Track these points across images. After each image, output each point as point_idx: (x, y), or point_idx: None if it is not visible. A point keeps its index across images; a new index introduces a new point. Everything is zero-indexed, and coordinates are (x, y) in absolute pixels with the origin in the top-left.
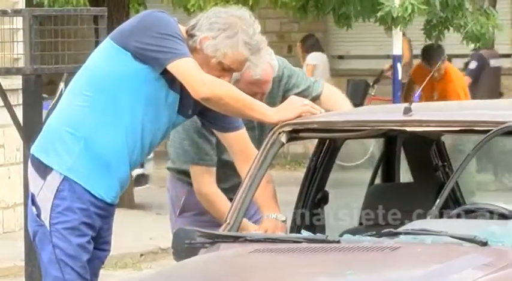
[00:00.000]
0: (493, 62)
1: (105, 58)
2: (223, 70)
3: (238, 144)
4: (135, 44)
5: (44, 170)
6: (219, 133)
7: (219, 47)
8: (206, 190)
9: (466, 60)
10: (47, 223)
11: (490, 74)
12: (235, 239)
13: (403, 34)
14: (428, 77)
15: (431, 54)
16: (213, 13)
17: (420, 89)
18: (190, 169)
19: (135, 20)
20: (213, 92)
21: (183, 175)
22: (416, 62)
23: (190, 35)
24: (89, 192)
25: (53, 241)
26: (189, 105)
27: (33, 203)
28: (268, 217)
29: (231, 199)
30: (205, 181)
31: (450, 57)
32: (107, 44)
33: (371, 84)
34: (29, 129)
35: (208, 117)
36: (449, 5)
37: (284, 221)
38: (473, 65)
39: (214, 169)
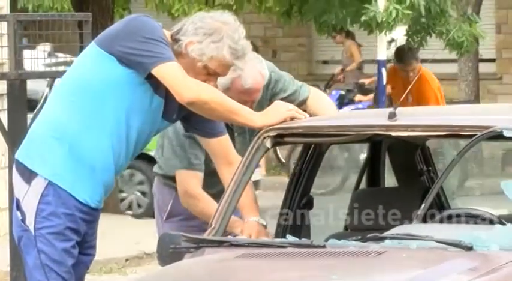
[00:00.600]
0: None
1: (90, 63)
2: (209, 74)
3: (221, 149)
4: (120, 49)
5: (28, 175)
6: (202, 138)
7: (205, 51)
8: (193, 191)
9: (448, 65)
10: (31, 228)
11: None
12: (220, 243)
13: (353, 38)
14: (424, 76)
15: (404, 55)
16: (198, 18)
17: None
18: (177, 173)
19: (120, 24)
20: (198, 96)
21: (170, 181)
22: (390, 65)
23: (175, 40)
24: (74, 197)
25: (38, 246)
26: (173, 110)
27: (18, 208)
28: (250, 220)
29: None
30: (193, 183)
31: (433, 62)
32: (92, 48)
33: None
34: (14, 134)
35: (192, 123)
36: (432, 11)
37: (265, 226)
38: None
39: (202, 175)
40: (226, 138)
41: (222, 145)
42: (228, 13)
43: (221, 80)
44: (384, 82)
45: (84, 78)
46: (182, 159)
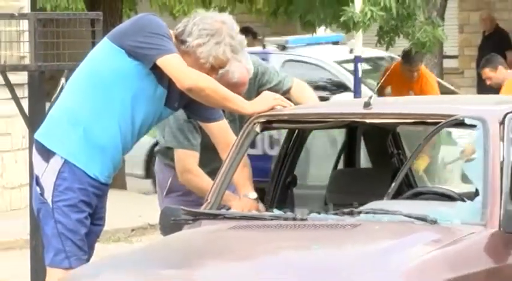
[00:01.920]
0: None
1: (102, 56)
2: (212, 69)
3: (220, 132)
4: (129, 43)
5: (47, 154)
6: (202, 123)
7: (211, 52)
8: (190, 167)
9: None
10: (49, 201)
11: None
12: (215, 216)
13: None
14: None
15: (413, 57)
16: (200, 19)
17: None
18: (175, 152)
19: (130, 21)
20: (196, 84)
21: (170, 161)
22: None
23: (181, 41)
24: (87, 174)
25: (55, 217)
26: (175, 98)
27: (37, 183)
28: (245, 196)
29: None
30: (190, 160)
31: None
32: (105, 43)
33: None
34: (34, 119)
35: (192, 110)
36: (400, 14)
37: (256, 199)
38: None
39: (198, 154)
40: (224, 122)
41: (221, 129)
42: (224, 13)
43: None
44: (360, 75)
45: (95, 69)
46: (180, 140)
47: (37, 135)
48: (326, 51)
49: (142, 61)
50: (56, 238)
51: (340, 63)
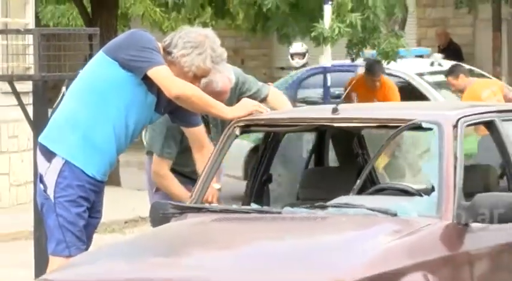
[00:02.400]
0: None
1: (99, 67)
2: (195, 78)
3: (197, 136)
4: (123, 56)
5: (49, 155)
6: (184, 128)
7: (193, 62)
8: (163, 172)
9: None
10: (51, 197)
11: None
12: (199, 210)
13: None
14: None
15: (375, 68)
16: (185, 33)
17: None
18: (154, 157)
19: (123, 36)
20: (183, 92)
21: None
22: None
23: (168, 52)
24: (85, 173)
25: (57, 211)
26: (163, 105)
27: (41, 181)
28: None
29: (193, 179)
30: (164, 167)
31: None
32: (100, 56)
33: None
34: (38, 123)
35: (177, 115)
36: (367, 28)
37: (219, 189)
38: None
39: (170, 161)
40: (201, 128)
41: (198, 133)
42: (207, 28)
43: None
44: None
45: (92, 79)
46: (159, 148)
47: (40, 139)
48: (409, 64)
49: (134, 72)
50: (57, 229)
51: (420, 75)
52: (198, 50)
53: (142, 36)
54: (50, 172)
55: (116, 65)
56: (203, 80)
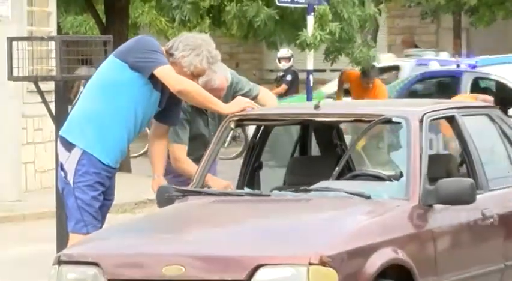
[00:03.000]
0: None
1: (110, 69)
2: (193, 76)
3: (164, 134)
4: (132, 59)
5: (69, 146)
6: (157, 122)
7: (192, 62)
8: (180, 156)
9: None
10: (71, 182)
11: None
12: (199, 193)
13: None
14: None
15: (370, 73)
16: (185, 38)
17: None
18: (170, 146)
19: (132, 42)
20: (185, 88)
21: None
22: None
23: (170, 54)
24: (101, 161)
25: (75, 194)
26: (164, 100)
27: (62, 168)
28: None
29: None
30: (180, 152)
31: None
32: (111, 59)
33: None
34: (59, 118)
35: (165, 112)
36: (343, 38)
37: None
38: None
39: (186, 146)
40: (170, 129)
41: (166, 132)
42: (207, 36)
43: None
44: (311, 84)
45: (104, 80)
46: (174, 137)
47: (61, 132)
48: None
49: (142, 72)
50: (76, 210)
51: None
52: (195, 52)
53: (148, 41)
54: (70, 160)
55: (126, 67)
56: (203, 78)
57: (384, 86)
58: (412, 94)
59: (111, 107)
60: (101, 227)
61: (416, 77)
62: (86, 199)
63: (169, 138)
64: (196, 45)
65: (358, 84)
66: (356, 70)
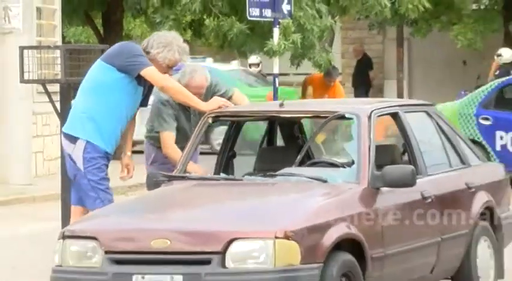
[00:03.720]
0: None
1: (99, 72)
2: (168, 68)
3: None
4: (119, 62)
5: (73, 139)
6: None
7: (166, 56)
8: (169, 144)
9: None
10: (82, 168)
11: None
12: (182, 178)
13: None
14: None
15: (332, 73)
16: (157, 37)
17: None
18: (161, 134)
19: (116, 47)
20: (166, 84)
21: (153, 141)
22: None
23: (147, 52)
24: (101, 148)
25: (88, 177)
26: (145, 92)
27: (70, 159)
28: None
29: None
30: (169, 140)
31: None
32: (99, 63)
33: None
34: (63, 115)
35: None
36: (305, 45)
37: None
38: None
39: (173, 133)
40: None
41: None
42: (173, 31)
43: (182, 80)
44: (277, 85)
45: (96, 81)
46: (163, 125)
47: (64, 129)
48: None
49: (129, 73)
50: (91, 191)
51: None
52: (168, 48)
53: (132, 46)
54: (76, 151)
55: (113, 69)
56: (187, 76)
57: (341, 85)
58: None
59: (104, 104)
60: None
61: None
62: (96, 179)
63: (159, 128)
64: (168, 42)
65: (320, 84)
66: (316, 74)
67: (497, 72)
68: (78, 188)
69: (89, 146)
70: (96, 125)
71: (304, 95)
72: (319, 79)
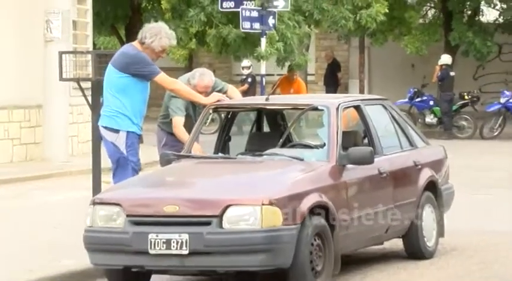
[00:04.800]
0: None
1: (117, 77)
2: (162, 52)
3: None
4: (132, 71)
5: (115, 131)
6: None
7: (160, 43)
8: (179, 126)
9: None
10: (125, 152)
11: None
12: (188, 157)
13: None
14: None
15: (293, 70)
16: (148, 28)
17: (275, 88)
18: (172, 118)
19: (128, 57)
20: (175, 87)
21: (165, 127)
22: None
23: (142, 43)
24: (136, 133)
25: (129, 159)
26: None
27: (114, 145)
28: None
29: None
30: (179, 123)
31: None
32: (113, 70)
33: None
34: (94, 106)
35: None
36: (287, 50)
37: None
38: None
39: (182, 118)
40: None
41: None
42: (162, 22)
43: (192, 80)
44: (264, 83)
45: (117, 84)
46: (175, 111)
47: (104, 123)
48: None
49: (144, 78)
50: (130, 171)
51: None
52: (159, 36)
53: (142, 57)
54: (119, 139)
55: (129, 76)
56: (197, 78)
57: (302, 81)
58: None
59: (129, 102)
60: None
61: None
62: (135, 160)
63: (172, 113)
64: (157, 31)
65: (285, 81)
66: (284, 76)
67: (438, 74)
68: (123, 169)
69: (129, 135)
70: (128, 118)
71: (273, 92)
72: (285, 78)
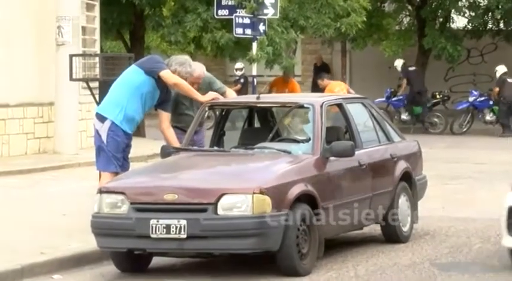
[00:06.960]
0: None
1: (133, 73)
2: (187, 79)
3: (164, 116)
4: (146, 67)
5: (103, 118)
6: (159, 110)
7: (181, 71)
8: (164, 121)
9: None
10: (105, 141)
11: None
12: (186, 150)
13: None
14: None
15: (288, 73)
16: (174, 59)
17: (270, 87)
18: (159, 113)
19: (147, 58)
20: (176, 81)
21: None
22: (277, 77)
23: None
24: (123, 129)
25: (108, 148)
26: (161, 97)
27: (98, 133)
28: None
29: (184, 131)
30: (165, 118)
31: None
32: (134, 67)
33: None
34: (100, 102)
35: (162, 103)
36: (276, 53)
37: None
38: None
39: (169, 115)
40: (168, 113)
41: (165, 115)
42: (185, 54)
43: (183, 69)
44: (255, 84)
45: (130, 79)
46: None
47: (98, 110)
48: None
49: (152, 74)
50: (109, 159)
51: None
52: (182, 66)
53: (156, 57)
54: (104, 128)
55: (142, 72)
56: (188, 68)
57: (296, 82)
58: None
59: (132, 96)
60: (127, 168)
61: None
62: (114, 151)
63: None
64: (182, 62)
65: (280, 82)
66: (277, 77)
67: (401, 74)
68: (102, 157)
69: (114, 126)
70: (122, 109)
71: (270, 92)
72: (279, 80)
